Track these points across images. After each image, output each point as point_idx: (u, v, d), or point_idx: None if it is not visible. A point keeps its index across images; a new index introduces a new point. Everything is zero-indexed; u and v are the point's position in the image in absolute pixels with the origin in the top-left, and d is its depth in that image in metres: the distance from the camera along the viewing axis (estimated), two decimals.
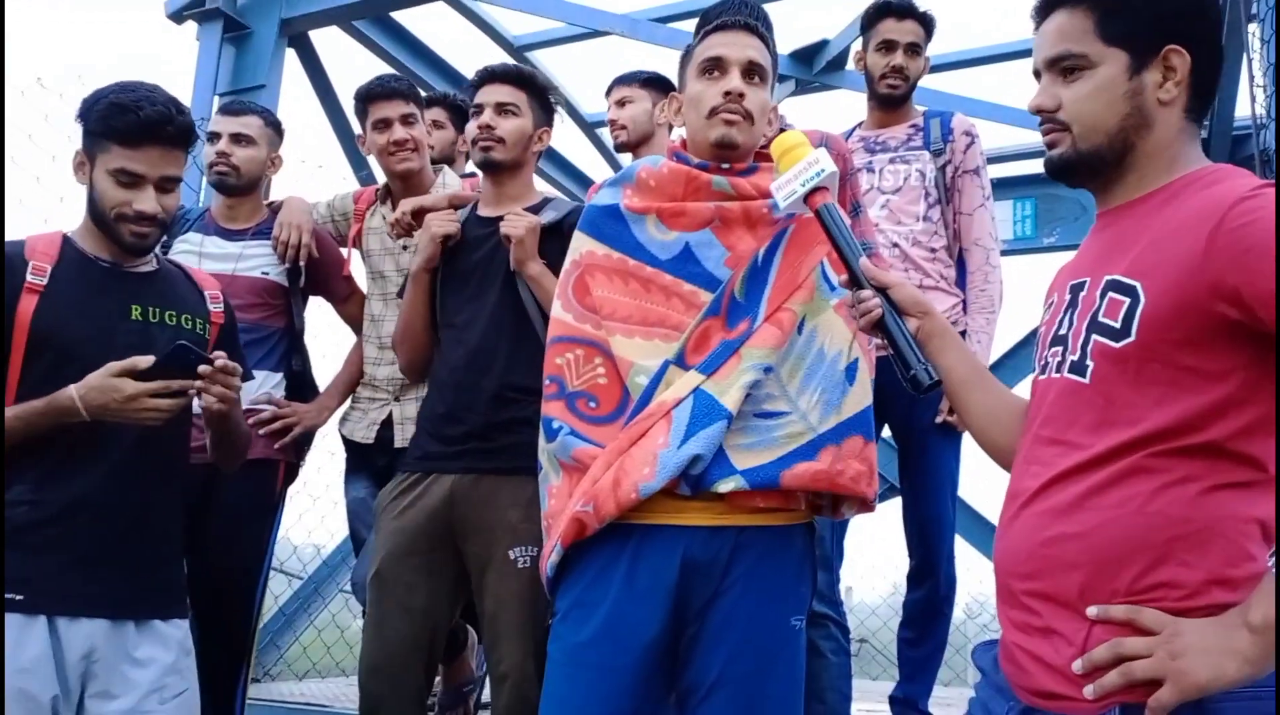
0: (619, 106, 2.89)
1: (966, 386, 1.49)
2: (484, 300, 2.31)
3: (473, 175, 2.89)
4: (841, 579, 2.67)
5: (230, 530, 2.49)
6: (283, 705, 3.58)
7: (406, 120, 2.76)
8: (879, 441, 3.04)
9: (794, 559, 1.74)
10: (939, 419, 2.69)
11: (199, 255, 2.65)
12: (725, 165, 1.83)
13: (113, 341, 1.86)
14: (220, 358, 1.84)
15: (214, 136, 2.74)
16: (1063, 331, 1.33)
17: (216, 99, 4.10)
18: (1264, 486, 1.19)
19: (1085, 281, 1.32)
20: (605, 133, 5.77)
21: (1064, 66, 1.33)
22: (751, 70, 1.83)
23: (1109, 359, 1.24)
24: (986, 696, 1.37)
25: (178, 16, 4.21)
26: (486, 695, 2.78)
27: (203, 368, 1.82)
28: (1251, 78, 3.17)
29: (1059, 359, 1.32)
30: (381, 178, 2.88)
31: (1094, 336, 1.27)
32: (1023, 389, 1.48)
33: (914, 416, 2.74)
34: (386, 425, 2.68)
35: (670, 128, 2.72)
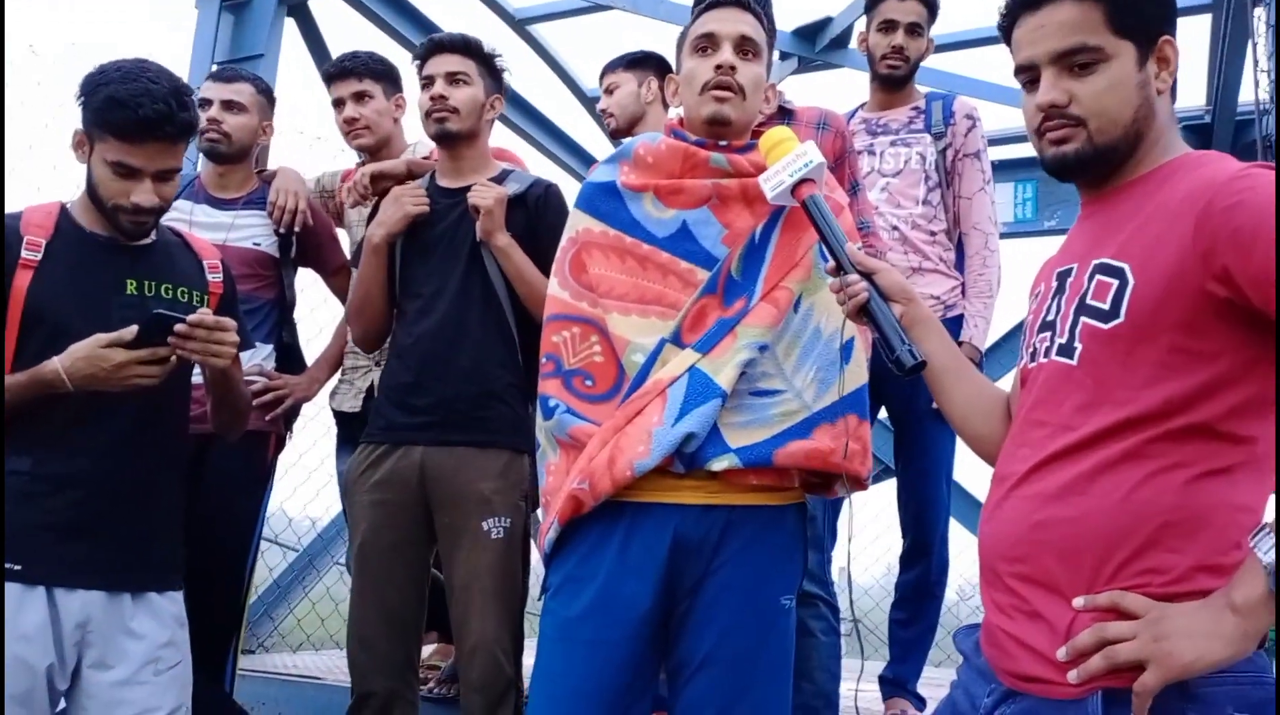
0: (606, 94, 2.92)
1: (948, 375, 1.51)
2: (450, 271, 2.31)
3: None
4: (833, 560, 2.68)
5: (221, 501, 2.49)
6: (277, 676, 3.60)
7: (358, 98, 2.80)
8: (875, 423, 3.05)
9: (785, 538, 1.74)
10: (934, 405, 2.68)
11: (189, 223, 2.62)
12: (723, 143, 1.82)
13: (107, 315, 1.86)
14: (198, 314, 1.83)
15: (205, 103, 2.72)
16: (1050, 317, 1.33)
17: (214, 68, 4.07)
18: (1253, 469, 1.19)
19: (1073, 267, 1.32)
20: None
21: (1078, 60, 1.30)
22: (744, 45, 1.82)
23: (1098, 341, 1.24)
24: (968, 679, 1.37)
25: None
26: None
27: (178, 327, 1.81)
28: (1256, 62, 3.15)
29: (1047, 344, 1.32)
30: None
31: (1082, 318, 1.27)
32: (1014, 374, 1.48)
33: (911, 400, 2.74)
34: (370, 394, 2.69)
35: (665, 104, 2.71)
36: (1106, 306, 1.24)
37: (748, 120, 1.84)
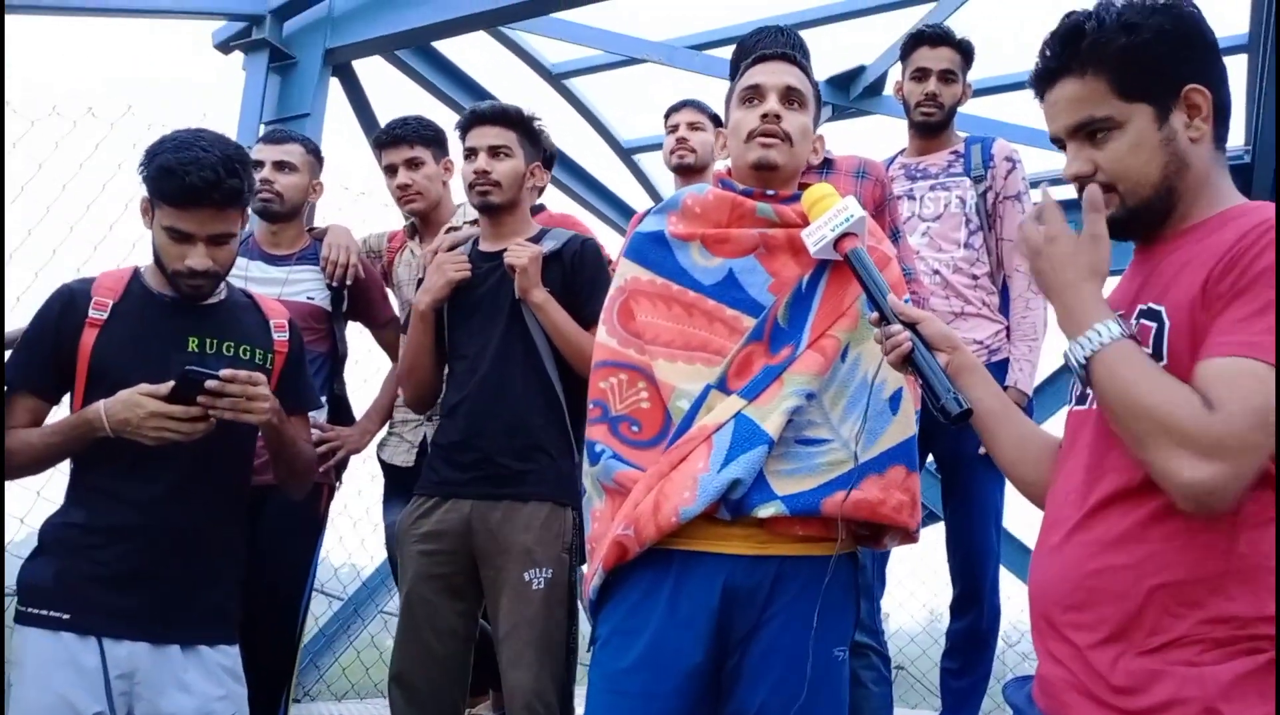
0: (690, 128, 2.92)
1: (995, 419, 1.50)
2: (492, 331, 2.37)
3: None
4: (881, 607, 2.65)
5: (275, 551, 2.52)
6: None
7: (410, 164, 2.87)
8: (924, 470, 3.02)
9: (838, 589, 1.72)
10: (982, 450, 2.66)
11: (245, 279, 2.69)
12: (770, 192, 1.84)
13: (165, 371, 1.90)
14: (228, 371, 1.86)
15: (257, 164, 2.80)
16: None
17: (262, 127, 4.18)
18: None
19: (1121, 314, 1.32)
20: (644, 158, 5.86)
21: (1089, 131, 1.34)
22: (790, 95, 1.85)
23: None
24: None
25: (224, 46, 4.31)
26: None
27: (209, 383, 1.84)
28: None
29: None
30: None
31: None
32: (1063, 415, 1.48)
33: (959, 446, 2.72)
34: (423, 450, 2.72)
35: None
36: (1150, 350, 1.25)
37: (795, 167, 1.86)
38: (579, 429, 1.85)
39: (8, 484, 1.96)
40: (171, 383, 1.84)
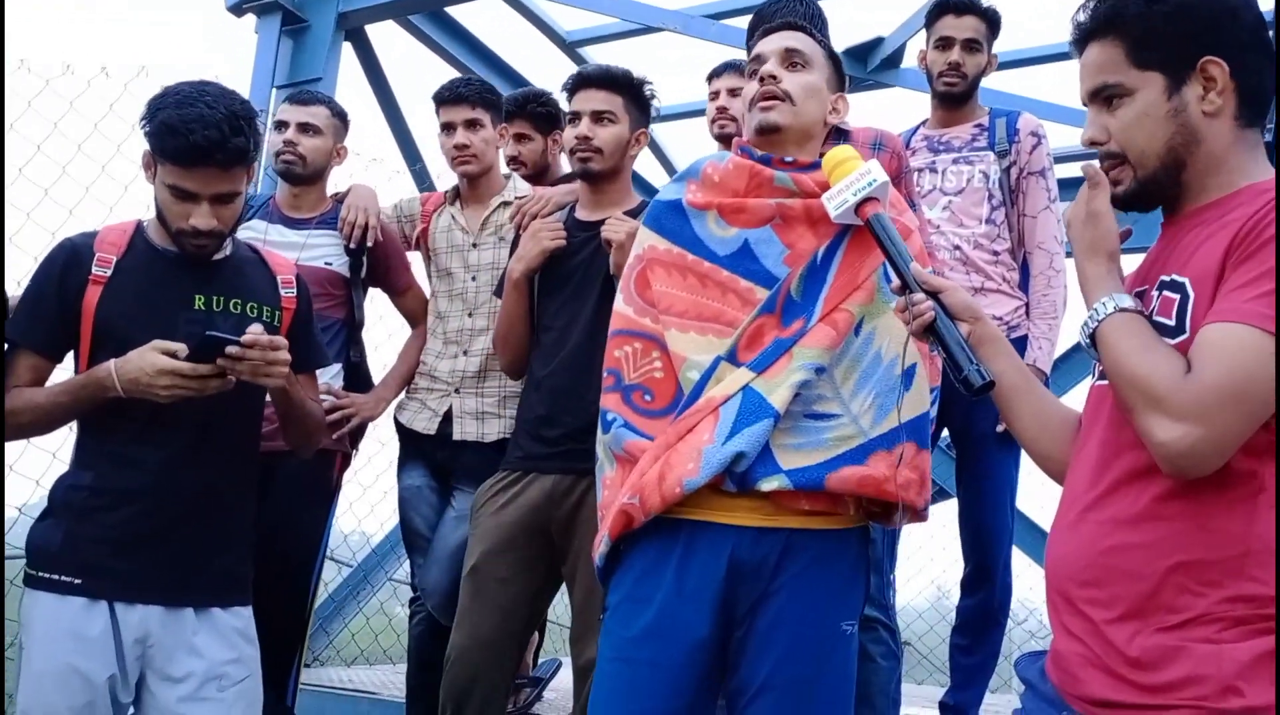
0: (731, 95, 2.76)
1: (1017, 393, 1.49)
2: (583, 304, 2.33)
3: (572, 177, 2.89)
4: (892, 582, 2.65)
5: (288, 517, 2.52)
6: (331, 691, 3.63)
7: (470, 125, 2.79)
8: (936, 447, 3.02)
9: (847, 563, 1.72)
10: (1000, 427, 2.65)
11: (263, 243, 2.66)
12: (789, 159, 1.81)
13: (174, 330, 1.88)
14: (250, 334, 1.82)
15: (281, 125, 2.77)
16: None
17: (274, 91, 4.16)
18: None
19: (1144, 288, 1.32)
20: (658, 128, 5.80)
21: (1104, 97, 1.35)
22: (789, 57, 1.83)
23: None
24: (1034, 707, 1.35)
25: (237, 9, 4.27)
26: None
27: (230, 349, 1.80)
28: None
29: None
30: (435, 172, 2.92)
31: None
32: (1080, 391, 1.47)
33: (973, 422, 2.71)
34: (447, 419, 2.70)
35: None
36: (1173, 322, 1.24)
37: (802, 126, 1.83)
38: None
39: (24, 445, 1.95)
40: (186, 346, 1.81)
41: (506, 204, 2.77)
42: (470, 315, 2.73)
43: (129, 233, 2.00)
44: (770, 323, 1.73)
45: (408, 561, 2.98)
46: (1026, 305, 2.77)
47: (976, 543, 2.78)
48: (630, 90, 2.39)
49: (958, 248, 2.75)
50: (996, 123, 2.81)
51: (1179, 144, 1.30)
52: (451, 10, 4.63)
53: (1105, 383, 1.33)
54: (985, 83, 2.96)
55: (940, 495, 4.30)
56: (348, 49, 4.42)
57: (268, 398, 2.04)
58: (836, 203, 1.66)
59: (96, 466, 1.89)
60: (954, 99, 2.85)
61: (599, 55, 5.46)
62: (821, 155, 1.82)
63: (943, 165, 2.83)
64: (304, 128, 2.76)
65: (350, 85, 4.45)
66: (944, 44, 2.82)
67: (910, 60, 4.45)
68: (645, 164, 5.95)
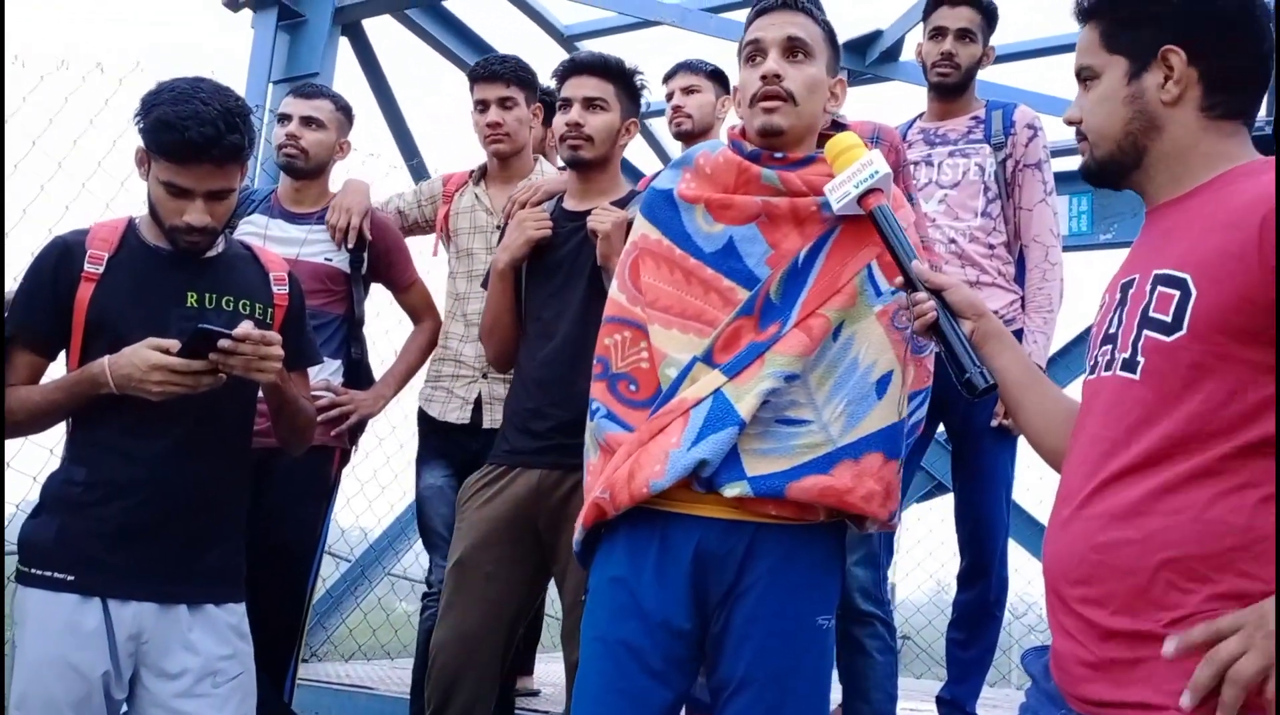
0: (684, 93, 2.84)
1: (1021, 388, 1.48)
2: (571, 295, 2.29)
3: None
4: (888, 577, 2.65)
5: (286, 513, 2.52)
6: (328, 686, 3.64)
7: (504, 103, 2.77)
8: (932, 441, 3.01)
9: (820, 557, 1.71)
10: (994, 422, 2.64)
11: (263, 238, 2.65)
12: (779, 155, 1.78)
13: (166, 326, 1.87)
14: (242, 329, 1.81)
15: (284, 118, 2.75)
16: (1112, 329, 1.31)
17: (271, 86, 4.15)
18: None
19: (1134, 278, 1.30)
20: (655, 122, 5.80)
21: (1082, 78, 1.39)
22: (792, 47, 1.76)
23: (1160, 354, 1.22)
24: (1037, 704, 1.35)
25: (233, 4, 4.27)
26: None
27: (222, 342, 1.79)
28: None
29: (1109, 358, 1.30)
30: (432, 167, 2.90)
31: (1145, 332, 1.25)
32: (1077, 386, 1.47)
33: (970, 417, 2.69)
34: (478, 406, 2.67)
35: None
36: (1169, 318, 1.22)
37: (804, 126, 1.79)
38: None
39: (21, 441, 1.95)
40: (179, 341, 1.80)
41: None
42: None
43: (120, 229, 1.99)
44: (748, 325, 1.71)
45: (405, 557, 2.98)
46: (1022, 299, 2.76)
47: (972, 537, 2.78)
48: (622, 79, 2.37)
49: (953, 241, 2.74)
50: (993, 115, 2.80)
51: (1137, 129, 1.32)
52: (448, 4, 4.62)
53: (1095, 377, 1.33)
54: (982, 75, 2.95)
55: (938, 490, 4.32)
56: (344, 43, 4.41)
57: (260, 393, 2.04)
58: (839, 194, 1.63)
59: (90, 461, 1.89)
60: (948, 90, 2.83)
61: (595, 49, 5.44)
62: (823, 138, 1.80)
63: (938, 158, 2.82)
64: (307, 121, 2.73)
65: (347, 80, 4.44)
66: (938, 34, 2.81)
67: (909, 54, 4.45)
68: (642, 158, 5.95)
